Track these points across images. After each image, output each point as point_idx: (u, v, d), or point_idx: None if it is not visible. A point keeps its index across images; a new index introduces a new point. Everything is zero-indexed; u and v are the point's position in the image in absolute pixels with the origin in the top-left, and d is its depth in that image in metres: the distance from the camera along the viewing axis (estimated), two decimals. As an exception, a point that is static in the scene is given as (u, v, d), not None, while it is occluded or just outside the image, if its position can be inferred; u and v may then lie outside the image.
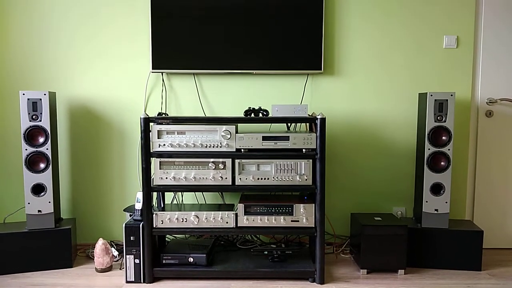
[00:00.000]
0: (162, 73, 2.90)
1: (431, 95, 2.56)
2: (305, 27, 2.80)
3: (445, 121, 2.56)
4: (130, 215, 2.55)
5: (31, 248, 2.56)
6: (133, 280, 2.41)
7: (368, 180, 2.98)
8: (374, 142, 2.96)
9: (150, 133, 2.39)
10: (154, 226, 2.41)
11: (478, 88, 2.91)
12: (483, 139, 2.93)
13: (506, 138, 2.93)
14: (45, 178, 2.55)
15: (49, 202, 2.57)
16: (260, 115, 2.54)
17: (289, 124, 2.80)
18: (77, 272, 2.57)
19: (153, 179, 2.44)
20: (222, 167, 2.41)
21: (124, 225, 2.40)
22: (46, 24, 2.88)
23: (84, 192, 2.98)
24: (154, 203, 2.60)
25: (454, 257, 2.59)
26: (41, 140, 2.55)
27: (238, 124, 2.69)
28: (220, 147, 2.41)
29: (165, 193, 2.80)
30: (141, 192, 2.42)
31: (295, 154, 2.40)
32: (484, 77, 2.90)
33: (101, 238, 2.59)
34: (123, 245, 2.42)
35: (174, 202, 2.88)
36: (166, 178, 2.41)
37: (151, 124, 2.41)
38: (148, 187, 2.38)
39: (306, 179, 2.41)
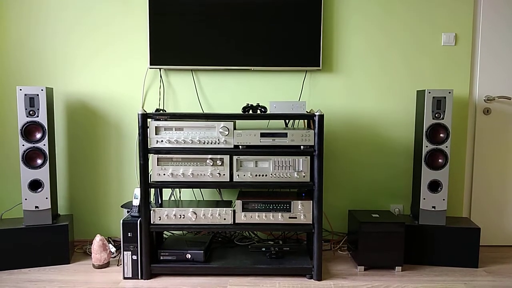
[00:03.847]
0: (160, 69, 2.89)
1: (429, 92, 2.56)
2: (303, 23, 2.79)
3: (443, 119, 2.56)
4: (128, 212, 2.55)
5: (28, 244, 2.55)
6: (131, 276, 2.41)
7: (366, 177, 2.99)
8: (372, 139, 2.96)
9: (148, 129, 2.39)
10: (151, 222, 2.41)
11: (476, 86, 2.91)
12: (481, 136, 2.93)
13: (503, 136, 2.93)
14: (42, 174, 2.54)
15: (46, 198, 2.56)
16: (258, 111, 2.54)
17: (287, 121, 2.80)
18: (74, 269, 2.57)
19: (150, 175, 2.44)
20: (220, 164, 2.40)
21: (121, 222, 2.40)
22: (43, 20, 2.87)
23: (81, 188, 2.97)
24: (151, 200, 2.60)
25: (451, 254, 2.60)
26: (38, 136, 2.54)
27: (236, 121, 2.69)
28: (218, 143, 2.40)
29: (163, 189, 2.79)
30: (139, 189, 2.42)
31: (293, 151, 2.40)
32: (482, 74, 2.90)
33: (98, 235, 2.59)
34: (120, 242, 2.42)
35: (171, 199, 2.88)
36: (164, 174, 2.41)
37: (148, 120, 2.40)
38: (145, 183, 2.38)
39: (304, 176, 2.41)
